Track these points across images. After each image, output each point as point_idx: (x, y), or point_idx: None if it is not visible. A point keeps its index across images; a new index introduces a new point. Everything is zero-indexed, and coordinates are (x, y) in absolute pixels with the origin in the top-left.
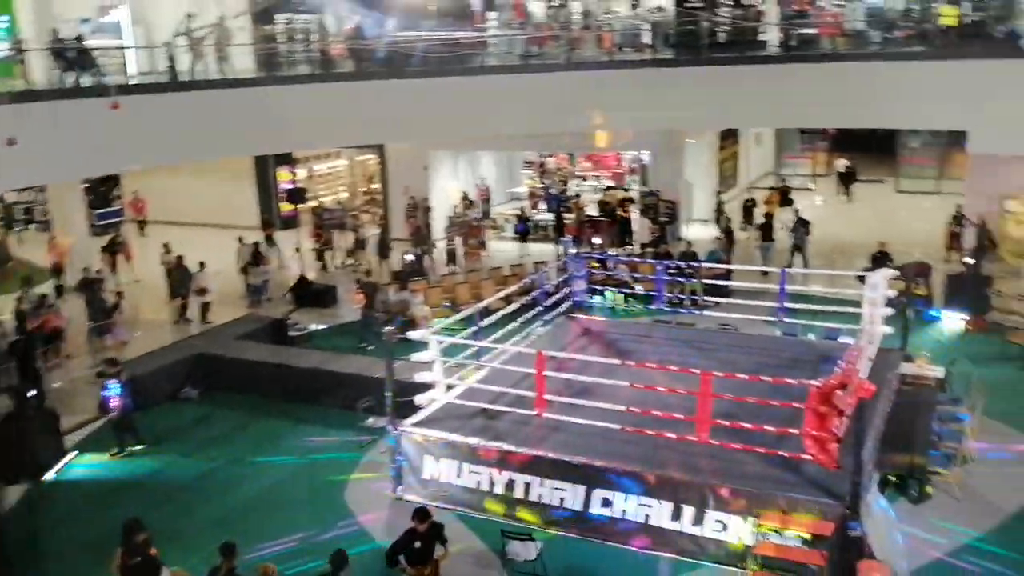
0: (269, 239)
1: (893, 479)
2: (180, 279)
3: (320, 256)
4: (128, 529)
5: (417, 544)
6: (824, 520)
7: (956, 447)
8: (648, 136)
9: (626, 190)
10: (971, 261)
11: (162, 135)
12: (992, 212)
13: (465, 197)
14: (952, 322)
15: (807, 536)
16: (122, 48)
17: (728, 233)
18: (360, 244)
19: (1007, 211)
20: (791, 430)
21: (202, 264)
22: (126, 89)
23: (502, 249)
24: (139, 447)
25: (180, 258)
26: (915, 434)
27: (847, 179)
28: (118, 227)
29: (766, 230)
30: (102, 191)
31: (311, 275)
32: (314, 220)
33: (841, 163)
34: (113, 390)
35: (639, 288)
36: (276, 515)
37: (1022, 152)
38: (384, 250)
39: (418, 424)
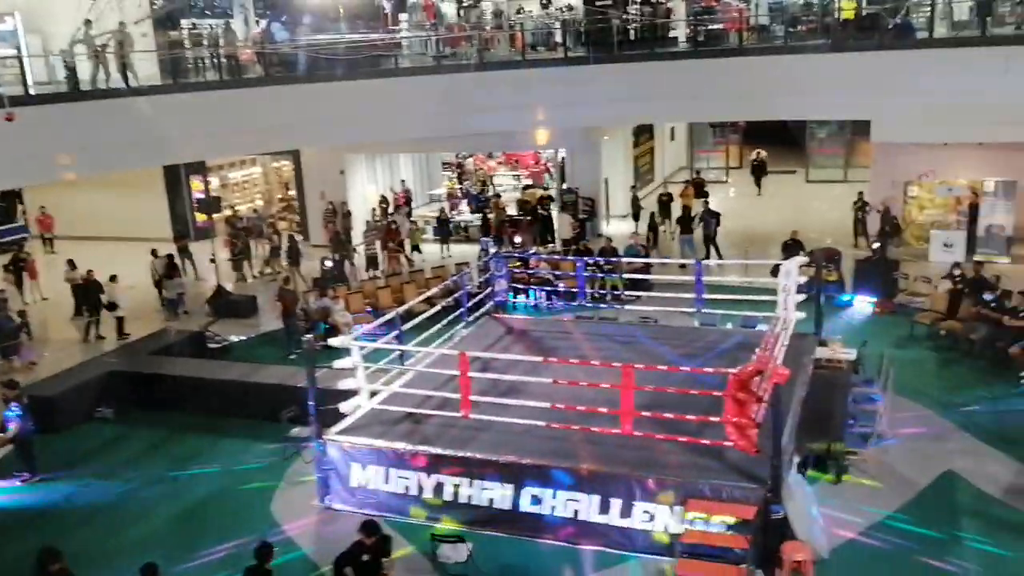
0: (184, 251)
1: (812, 460)
2: (88, 295)
3: (237, 266)
4: (43, 558)
5: (365, 557)
6: (747, 504)
7: (870, 426)
8: (565, 134)
9: (545, 188)
10: (878, 246)
11: (64, 147)
12: (896, 198)
13: (383, 201)
14: (862, 306)
15: (731, 521)
16: (17, 57)
17: (653, 228)
18: (275, 252)
19: (910, 197)
20: (712, 418)
21: (112, 278)
22: (23, 100)
23: (424, 251)
24: (29, 476)
25: (90, 273)
26: (831, 415)
27: (758, 171)
28: (22, 244)
29: (685, 223)
30: (3, 207)
31: (229, 286)
32: (227, 230)
33: (759, 152)
34: (13, 414)
35: (561, 285)
36: (201, 530)
37: (920, 140)
38: (294, 256)
39: (343, 432)
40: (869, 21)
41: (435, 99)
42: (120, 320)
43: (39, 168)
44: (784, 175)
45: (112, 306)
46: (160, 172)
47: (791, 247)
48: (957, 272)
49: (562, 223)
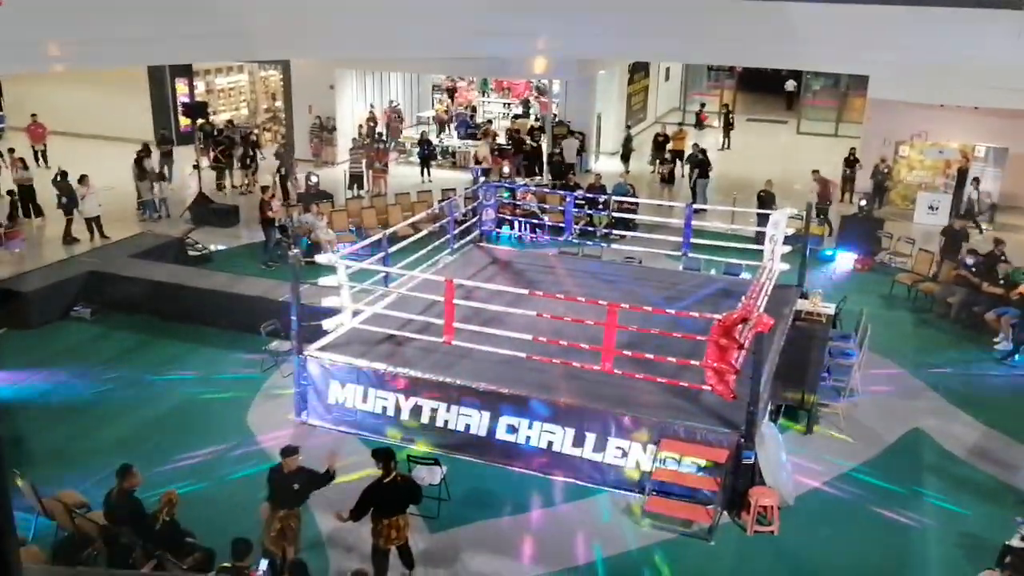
0: (167, 156)
1: (784, 409)
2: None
3: (220, 175)
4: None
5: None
6: (719, 448)
7: (844, 380)
8: (561, 65)
9: (538, 119)
10: (864, 203)
11: (47, 37)
12: (887, 156)
13: (371, 119)
14: (844, 261)
15: (703, 463)
16: None
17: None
18: (253, 161)
19: (900, 156)
20: (692, 361)
21: (82, 177)
22: None
23: (407, 174)
24: None
25: (64, 174)
26: (807, 367)
27: (726, 124)
28: None
29: (703, 167)
30: None
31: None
32: (211, 137)
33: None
34: None
35: (547, 219)
36: (176, 436)
37: (917, 99)
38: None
39: (324, 348)
40: None
41: (434, 18)
42: (96, 220)
43: (19, 57)
44: (775, 124)
45: (70, 207)
46: (144, 72)
47: (764, 199)
48: (971, 261)
49: (568, 148)
